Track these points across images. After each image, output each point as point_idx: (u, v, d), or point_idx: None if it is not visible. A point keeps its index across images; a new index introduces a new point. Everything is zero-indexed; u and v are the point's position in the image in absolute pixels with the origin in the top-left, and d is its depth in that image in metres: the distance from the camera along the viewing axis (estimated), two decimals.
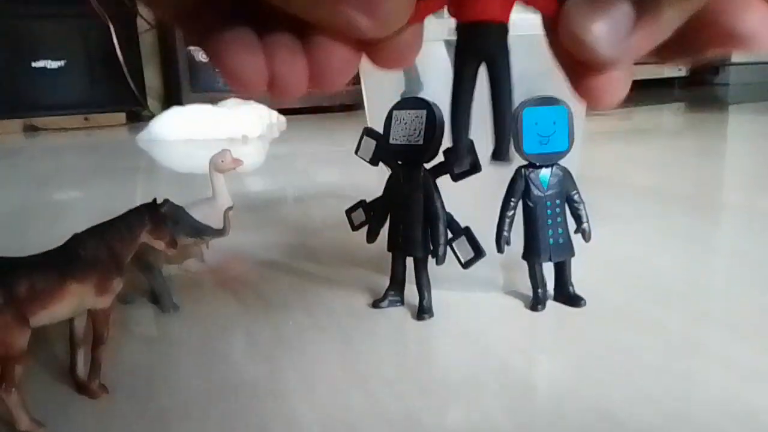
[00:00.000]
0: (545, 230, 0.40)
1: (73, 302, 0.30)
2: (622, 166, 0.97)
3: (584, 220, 0.41)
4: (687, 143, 1.21)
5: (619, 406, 0.29)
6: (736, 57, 2.68)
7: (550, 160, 0.40)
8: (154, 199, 0.34)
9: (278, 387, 0.33)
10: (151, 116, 1.71)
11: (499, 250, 0.40)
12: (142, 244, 0.34)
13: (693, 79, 2.80)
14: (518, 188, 0.40)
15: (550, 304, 0.42)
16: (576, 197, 0.41)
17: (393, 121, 0.40)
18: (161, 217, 0.34)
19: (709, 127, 1.43)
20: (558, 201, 0.40)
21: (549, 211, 0.40)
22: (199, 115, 1.59)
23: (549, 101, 0.39)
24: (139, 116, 2.17)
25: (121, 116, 2.16)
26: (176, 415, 0.30)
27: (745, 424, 0.28)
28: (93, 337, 0.31)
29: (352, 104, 2.27)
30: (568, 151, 0.40)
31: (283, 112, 1.97)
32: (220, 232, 0.43)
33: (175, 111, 1.65)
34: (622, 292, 0.44)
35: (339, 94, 2.28)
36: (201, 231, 0.42)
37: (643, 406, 0.29)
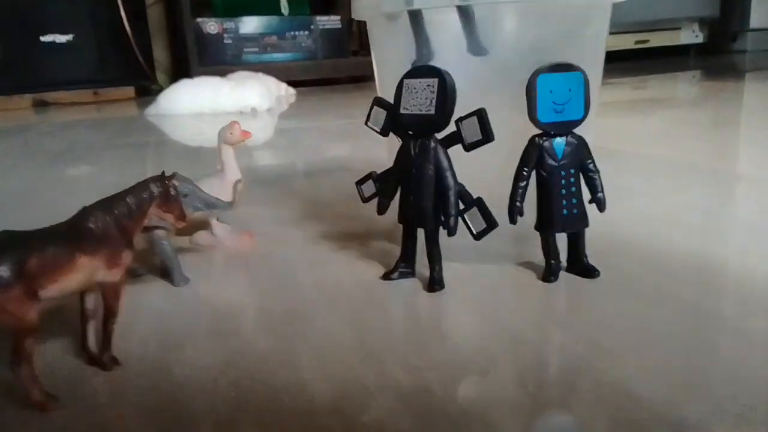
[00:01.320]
0: (559, 200, 0.40)
1: (83, 276, 0.29)
2: (636, 137, 0.96)
3: (599, 189, 0.40)
4: (703, 113, 1.19)
5: (633, 378, 0.29)
6: (755, 23, 2.62)
7: (565, 128, 0.39)
8: (163, 172, 0.34)
9: (289, 359, 0.33)
10: (160, 90, 1.71)
11: (512, 221, 0.40)
12: (151, 217, 0.34)
13: (710, 46, 2.74)
14: (532, 157, 0.39)
15: (563, 275, 0.42)
16: (591, 166, 0.40)
17: (404, 90, 0.39)
18: (170, 189, 0.33)
19: (726, 96, 1.40)
20: (572, 170, 0.39)
21: (563, 181, 0.39)
22: (208, 88, 1.58)
23: (564, 68, 0.38)
24: (148, 90, 2.17)
25: (130, 90, 2.16)
26: (188, 386, 0.30)
27: (760, 395, 0.27)
28: (104, 311, 0.31)
29: (363, 75, 2.25)
30: (583, 119, 0.39)
31: (292, 84, 1.95)
32: (229, 205, 0.43)
33: (183, 84, 1.64)
34: (637, 263, 0.43)
35: (348, 65, 2.26)
36: (210, 204, 0.41)
37: (657, 379, 0.29)
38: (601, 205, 0.41)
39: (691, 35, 2.72)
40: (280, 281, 0.44)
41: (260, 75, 1.75)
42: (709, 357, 0.31)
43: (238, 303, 0.40)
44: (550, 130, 0.39)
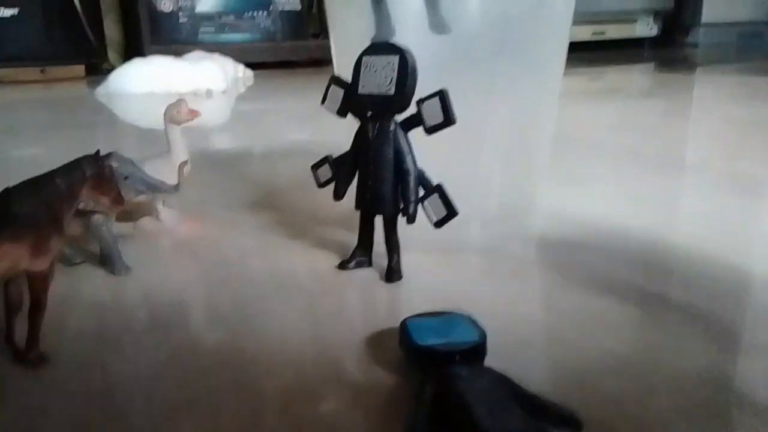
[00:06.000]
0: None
1: (6, 264, 0.27)
2: (592, 126, 0.96)
3: None
4: (656, 103, 1.21)
5: (588, 369, 0.28)
6: (707, 17, 2.68)
7: None
8: (97, 151, 0.31)
9: (238, 355, 0.30)
10: (111, 69, 1.64)
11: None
12: (85, 200, 0.31)
13: (664, 39, 2.79)
14: None
15: (532, 263, 0.40)
16: None
17: (362, 68, 0.37)
18: (105, 170, 0.30)
19: (677, 87, 1.43)
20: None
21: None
22: (161, 68, 1.52)
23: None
24: (98, 69, 2.08)
25: (80, 69, 2.07)
26: (125, 386, 0.28)
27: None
28: (30, 303, 0.29)
29: (323, 59, 2.21)
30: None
31: (249, 66, 1.90)
32: (174, 189, 0.40)
33: (135, 63, 1.58)
34: (590, 250, 0.42)
35: (308, 47, 2.22)
36: (154, 187, 0.39)
37: (608, 374, 0.28)
38: None
39: (646, 28, 2.77)
40: (229, 270, 0.41)
41: (216, 56, 1.70)
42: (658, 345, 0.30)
43: (183, 294, 0.38)
44: None
